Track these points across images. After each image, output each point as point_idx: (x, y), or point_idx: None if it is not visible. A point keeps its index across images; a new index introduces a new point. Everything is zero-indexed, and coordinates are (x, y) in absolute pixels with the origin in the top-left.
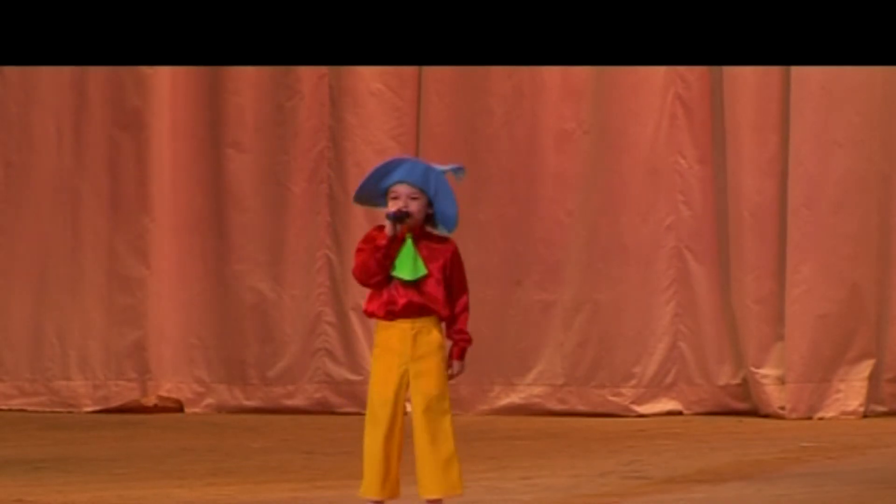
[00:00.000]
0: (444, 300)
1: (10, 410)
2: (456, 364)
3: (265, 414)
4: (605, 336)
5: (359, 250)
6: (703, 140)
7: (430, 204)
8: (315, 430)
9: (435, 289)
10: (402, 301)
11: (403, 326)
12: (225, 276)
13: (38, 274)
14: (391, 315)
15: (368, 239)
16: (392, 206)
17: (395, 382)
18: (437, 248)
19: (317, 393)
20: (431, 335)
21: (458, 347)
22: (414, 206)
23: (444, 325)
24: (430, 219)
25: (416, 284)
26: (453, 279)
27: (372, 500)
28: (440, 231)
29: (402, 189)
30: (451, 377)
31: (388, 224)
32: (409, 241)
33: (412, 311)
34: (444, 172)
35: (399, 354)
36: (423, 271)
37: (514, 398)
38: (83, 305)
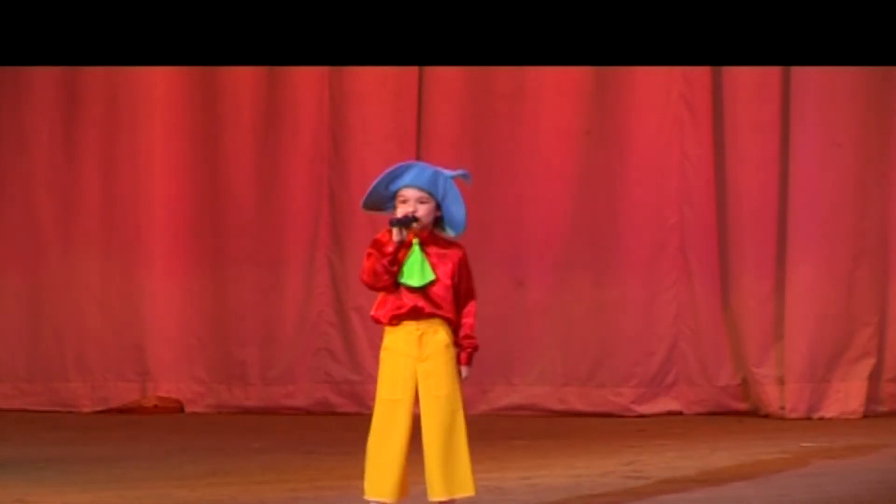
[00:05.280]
0: (452, 304)
1: (10, 411)
2: (464, 369)
3: (265, 414)
4: (605, 336)
5: (368, 255)
6: (704, 140)
7: (438, 207)
8: (315, 430)
9: (443, 293)
10: (408, 306)
11: (409, 328)
12: (224, 276)
13: (35, 275)
14: (396, 319)
15: (377, 244)
16: (400, 211)
17: (403, 383)
18: (445, 252)
19: (317, 393)
20: (438, 335)
21: (466, 353)
22: (422, 210)
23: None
24: (438, 222)
25: (423, 289)
26: (461, 284)
27: (383, 502)
28: (448, 234)
29: (411, 193)
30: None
31: (394, 230)
32: (416, 247)
33: (419, 314)
34: (452, 177)
35: (405, 356)
36: (430, 277)
37: (514, 398)
38: (80, 306)
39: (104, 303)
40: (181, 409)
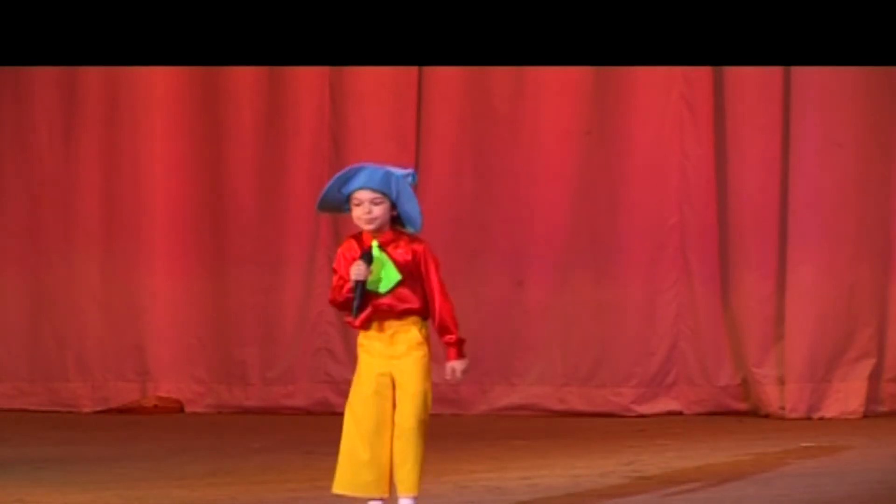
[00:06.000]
0: (421, 297)
1: (10, 411)
2: (457, 364)
3: (265, 414)
4: (605, 336)
5: (334, 271)
6: (705, 140)
7: (393, 206)
8: (315, 430)
9: (410, 289)
10: (379, 307)
11: (381, 328)
12: (224, 276)
13: (35, 275)
14: (368, 322)
15: (341, 263)
16: (355, 212)
17: (374, 381)
18: (407, 248)
19: (317, 393)
20: (410, 333)
21: (454, 349)
22: (377, 211)
23: (430, 322)
24: (396, 220)
25: (390, 290)
26: (428, 279)
27: (346, 495)
28: (408, 230)
29: (365, 195)
30: (454, 379)
31: (358, 265)
32: (376, 249)
33: (391, 315)
34: (404, 176)
35: (379, 355)
36: (396, 278)
37: (514, 398)
38: (80, 306)
39: (104, 303)
40: (181, 409)
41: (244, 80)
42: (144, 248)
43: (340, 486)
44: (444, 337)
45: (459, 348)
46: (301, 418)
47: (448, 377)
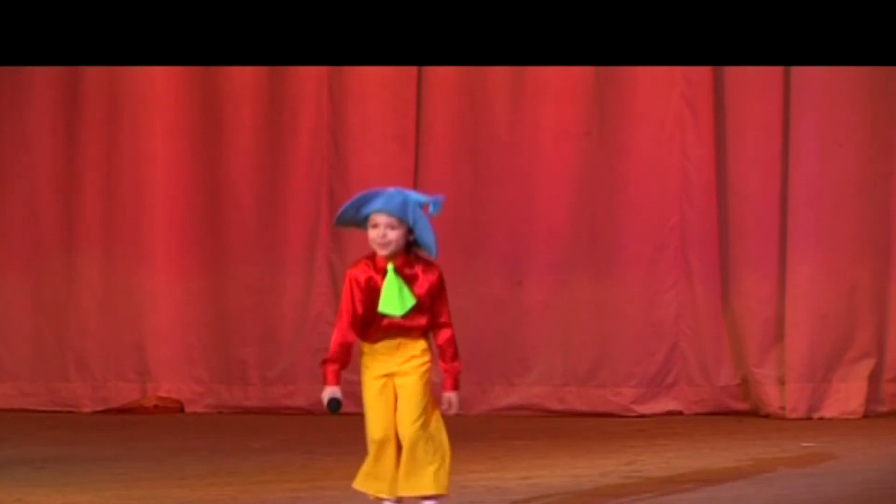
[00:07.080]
0: (429, 319)
1: (10, 411)
2: (453, 396)
3: (265, 414)
4: (605, 336)
5: (344, 295)
6: (705, 140)
7: (410, 231)
8: (315, 430)
9: (419, 316)
10: (385, 327)
11: (388, 341)
12: (224, 276)
13: (35, 275)
14: (376, 337)
15: (352, 286)
16: (370, 233)
17: (377, 383)
18: (423, 277)
19: (317, 393)
20: (415, 343)
21: (452, 378)
22: (392, 235)
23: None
24: (414, 244)
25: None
26: (436, 306)
27: (361, 492)
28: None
29: (382, 218)
30: (451, 411)
31: (327, 402)
32: (391, 273)
33: (400, 331)
34: (420, 204)
35: (385, 363)
36: (411, 302)
37: (514, 398)
38: (81, 306)
39: (104, 303)
40: (181, 409)
41: (244, 80)
42: (144, 248)
43: (358, 482)
44: (445, 365)
45: (457, 379)
46: (301, 418)
47: (445, 408)
